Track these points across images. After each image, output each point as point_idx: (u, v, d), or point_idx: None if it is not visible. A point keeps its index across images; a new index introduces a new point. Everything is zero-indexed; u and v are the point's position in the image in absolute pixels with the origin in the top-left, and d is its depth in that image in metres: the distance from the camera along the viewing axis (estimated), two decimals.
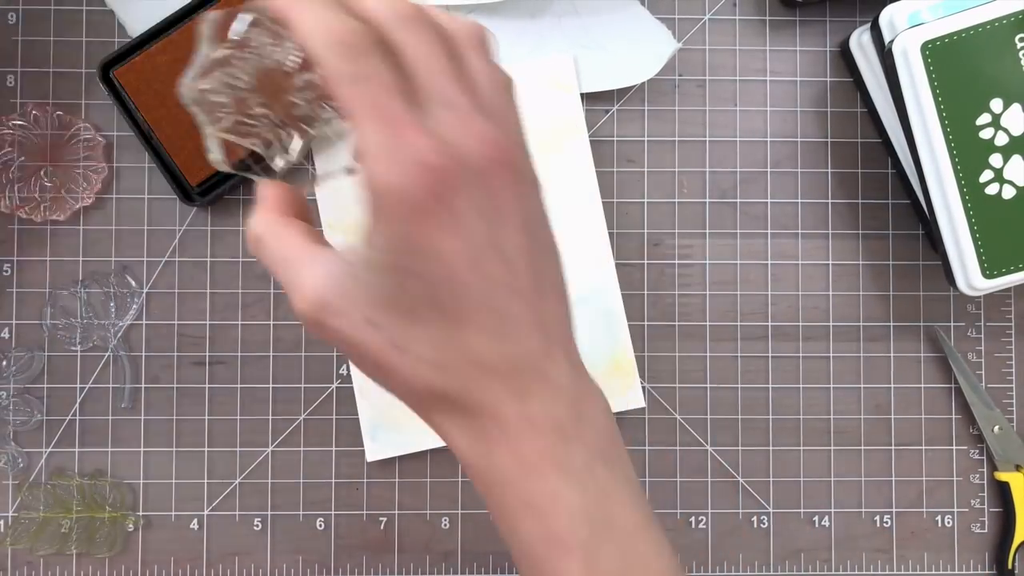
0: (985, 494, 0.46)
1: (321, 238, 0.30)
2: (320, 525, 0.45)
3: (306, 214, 0.31)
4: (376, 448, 0.44)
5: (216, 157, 0.35)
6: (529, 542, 0.29)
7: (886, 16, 0.41)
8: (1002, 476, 0.45)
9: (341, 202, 0.45)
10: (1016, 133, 0.40)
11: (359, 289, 0.27)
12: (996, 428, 0.45)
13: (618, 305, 0.45)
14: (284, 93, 0.34)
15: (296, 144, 0.34)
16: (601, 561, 0.28)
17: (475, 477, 0.29)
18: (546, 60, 0.45)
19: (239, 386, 0.45)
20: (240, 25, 0.32)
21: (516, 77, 0.46)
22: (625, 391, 0.44)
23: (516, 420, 0.28)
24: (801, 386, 0.46)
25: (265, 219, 0.30)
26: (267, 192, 0.31)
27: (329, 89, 0.27)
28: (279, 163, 0.34)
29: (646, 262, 0.46)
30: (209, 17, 0.32)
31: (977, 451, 0.46)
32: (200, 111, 0.34)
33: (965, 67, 0.39)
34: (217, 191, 0.43)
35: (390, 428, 0.44)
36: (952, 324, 0.46)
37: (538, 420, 0.28)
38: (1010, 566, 0.45)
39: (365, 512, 0.45)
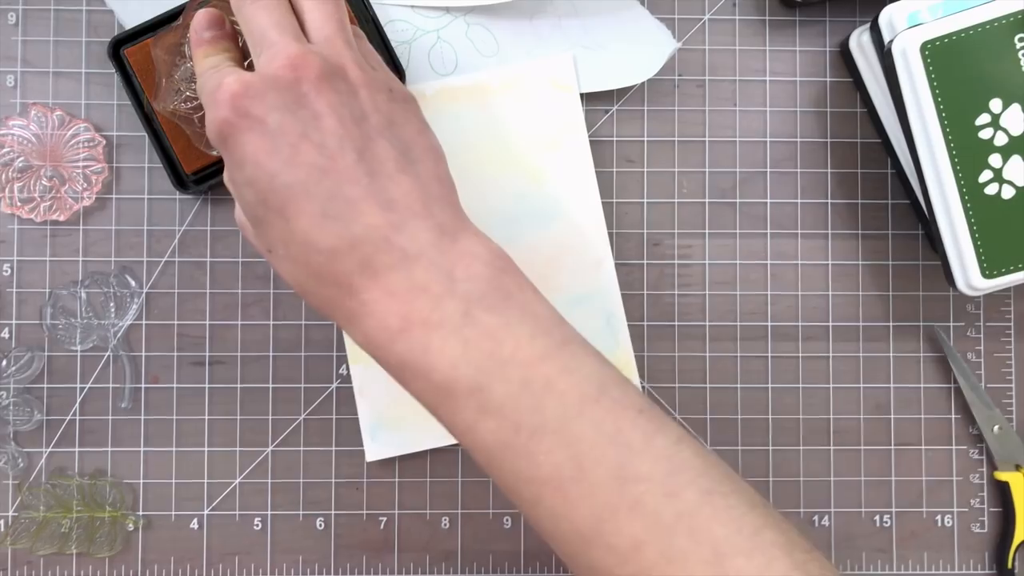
0: (985, 494, 0.46)
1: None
2: (320, 525, 0.45)
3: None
4: (376, 448, 0.44)
5: (206, 149, 0.41)
6: (423, 398, 0.31)
7: (886, 16, 0.41)
8: (1002, 476, 0.45)
9: None
10: (1015, 133, 0.40)
11: (239, 208, 0.33)
12: (996, 428, 0.45)
13: (618, 305, 0.45)
14: None
15: None
16: (495, 396, 0.30)
17: (374, 358, 0.32)
18: (546, 60, 0.45)
19: (239, 386, 0.45)
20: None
21: (515, 77, 0.46)
22: None
23: (375, 293, 0.31)
24: (801, 386, 0.46)
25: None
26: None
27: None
28: None
29: (646, 262, 0.46)
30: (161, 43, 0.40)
31: (977, 451, 0.46)
32: (179, 120, 0.40)
33: (964, 67, 0.39)
34: (211, 181, 0.43)
35: (390, 428, 0.44)
36: (952, 324, 0.46)
37: (397, 289, 0.31)
38: (1010, 565, 0.45)
39: (365, 512, 0.45)
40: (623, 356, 0.44)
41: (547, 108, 0.45)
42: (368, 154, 0.31)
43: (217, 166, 0.43)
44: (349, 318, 0.31)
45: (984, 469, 0.46)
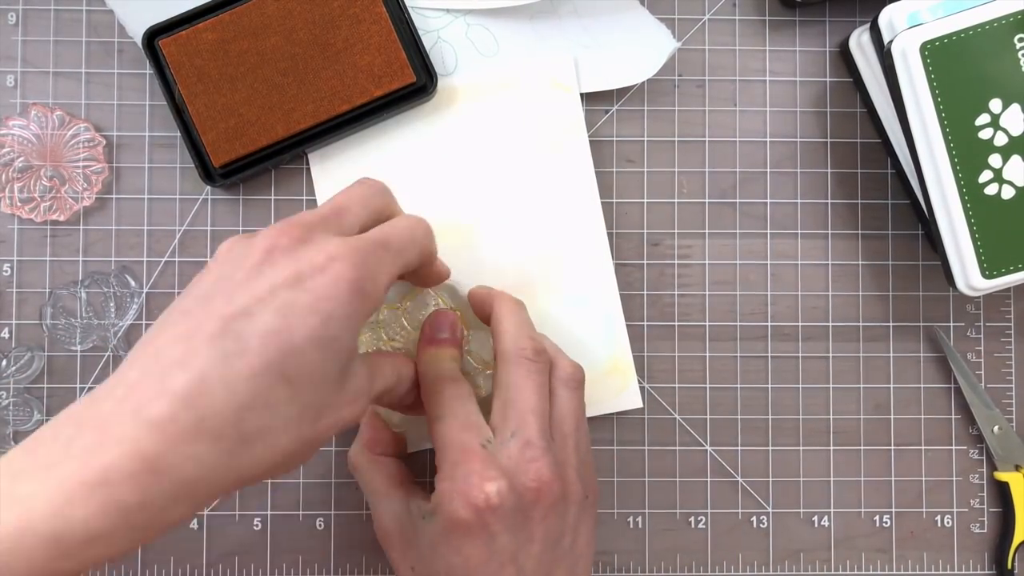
0: (985, 494, 0.46)
1: (402, 478, 0.39)
2: (320, 525, 0.45)
3: (394, 448, 0.41)
4: None
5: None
6: None
7: (885, 16, 0.41)
8: (1002, 476, 0.45)
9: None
10: (1015, 133, 0.40)
11: (408, 540, 0.36)
12: (996, 428, 0.45)
13: (617, 305, 0.45)
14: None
15: None
16: None
17: None
18: (546, 60, 0.45)
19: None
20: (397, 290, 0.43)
21: (516, 77, 0.46)
22: (623, 391, 0.44)
23: None
24: (800, 386, 0.46)
25: (363, 453, 0.40)
26: (367, 433, 0.40)
27: (428, 423, 0.37)
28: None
29: (645, 262, 0.46)
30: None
31: (977, 451, 0.46)
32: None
33: (964, 67, 0.39)
34: (237, 176, 0.43)
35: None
36: (951, 324, 0.46)
37: None
38: (1010, 566, 0.45)
39: (365, 512, 0.45)
40: (622, 356, 0.44)
41: (547, 108, 0.45)
42: (547, 570, 0.35)
43: (244, 160, 0.43)
44: None
45: (984, 469, 0.46)
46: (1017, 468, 0.45)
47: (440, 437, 0.36)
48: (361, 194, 0.35)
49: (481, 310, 0.41)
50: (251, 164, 0.43)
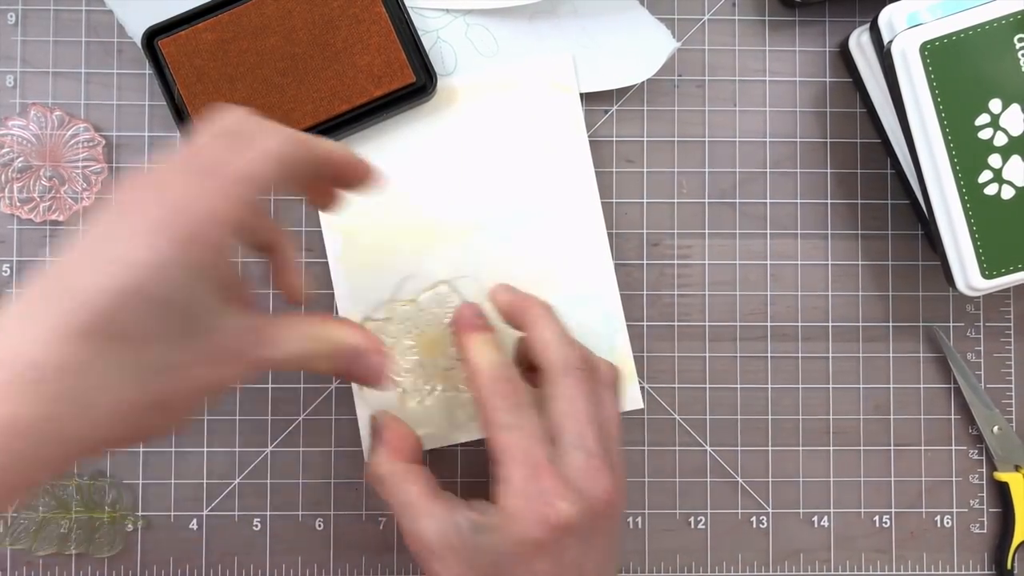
0: (984, 494, 0.46)
1: (435, 488, 0.36)
2: (319, 525, 0.45)
3: (419, 454, 0.39)
4: None
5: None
6: None
7: (885, 16, 0.41)
8: (1001, 476, 0.45)
9: None
10: (1015, 133, 0.40)
11: (459, 556, 0.34)
12: (996, 428, 0.45)
13: (617, 305, 0.45)
14: (439, 353, 0.43)
15: (432, 399, 0.43)
16: None
17: None
18: (545, 60, 0.45)
19: (238, 386, 0.45)
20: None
21: (515, 77, 0.46)
22: (623, 391, 0.44)
23: None
24: (800, 386, 0.46)
25: (388, 463, 0.37)
26: (389, 434, 0.39)
27: (483, 425, 0.35)
28: (410, 404, 0.43)
29: (645, 262, 0.46)
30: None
31: (976, 451, 0.46)
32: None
33: (964, 67, 0.39)
34: None
35: None
36: (951, 324, 0.46)
37: None
38: (1009, 566, 0.45)
39: (364, 512, 0.45)
40: (622, 357, 0.44)
41: (547, 108, 0.45)
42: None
43: None
44: None
45: (984, 469, 0.46)
46: (1017, 468, 0.45)
47: (506, 448, 0.34)
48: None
49: (510, 314, 0.40)
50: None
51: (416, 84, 0.43)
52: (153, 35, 0.43)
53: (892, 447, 0.46)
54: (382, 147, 0.45)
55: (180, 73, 0.43)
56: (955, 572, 0.46)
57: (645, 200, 0.46)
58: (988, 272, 0.40)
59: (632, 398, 0.45)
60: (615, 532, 0.37)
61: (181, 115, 0.43)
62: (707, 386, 0.46)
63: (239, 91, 0.42)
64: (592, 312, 0.44)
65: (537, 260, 0.44)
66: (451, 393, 0.43)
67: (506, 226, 0.44)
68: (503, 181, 0.44)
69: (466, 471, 0.45)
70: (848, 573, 0.46)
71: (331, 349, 0.33)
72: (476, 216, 0.45)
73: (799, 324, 0.46)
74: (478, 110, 0.45)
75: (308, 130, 0.43)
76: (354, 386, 0.44)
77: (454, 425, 0.43)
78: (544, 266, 0.44)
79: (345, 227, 0.44)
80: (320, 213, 0.44)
